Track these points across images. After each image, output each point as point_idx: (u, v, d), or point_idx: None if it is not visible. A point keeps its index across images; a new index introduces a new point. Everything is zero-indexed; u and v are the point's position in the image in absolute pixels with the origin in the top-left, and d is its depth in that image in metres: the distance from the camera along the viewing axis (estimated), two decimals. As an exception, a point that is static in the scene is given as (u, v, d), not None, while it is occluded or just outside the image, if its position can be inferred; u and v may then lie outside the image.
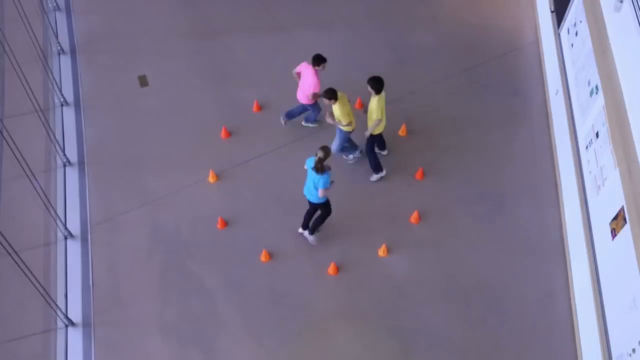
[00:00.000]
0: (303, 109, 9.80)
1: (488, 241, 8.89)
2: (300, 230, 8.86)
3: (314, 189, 8.15)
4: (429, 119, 10.20)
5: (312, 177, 8.08)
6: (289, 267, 8.63)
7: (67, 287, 8.42)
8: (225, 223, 8.99)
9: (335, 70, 10.71)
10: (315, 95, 9.33)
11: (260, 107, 10.26)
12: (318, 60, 9.11)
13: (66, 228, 8.83)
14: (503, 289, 8.46)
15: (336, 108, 8.77)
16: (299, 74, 9.42)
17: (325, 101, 8.78)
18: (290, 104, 10.01)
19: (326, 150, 7.85)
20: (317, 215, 8.66)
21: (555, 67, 9.84)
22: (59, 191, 9.32)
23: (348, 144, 9.45)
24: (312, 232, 8.72)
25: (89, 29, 11.45)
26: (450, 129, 10.10)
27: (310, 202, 8.46)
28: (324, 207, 8.53)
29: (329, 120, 9.06)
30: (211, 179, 9.43)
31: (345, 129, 9.07)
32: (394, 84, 10.56)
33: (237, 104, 10.35)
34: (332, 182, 8.16)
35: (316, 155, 7.87)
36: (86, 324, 8.14)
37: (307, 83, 9.25)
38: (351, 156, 9.61)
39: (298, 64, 10.34)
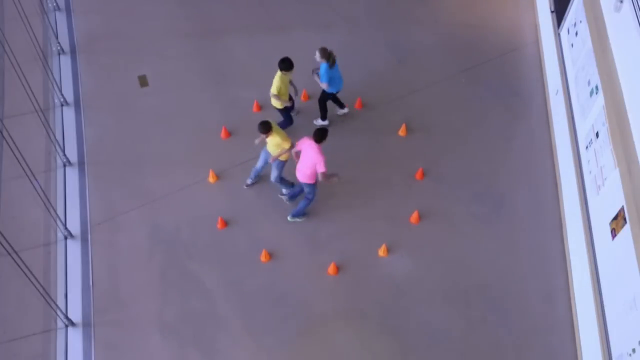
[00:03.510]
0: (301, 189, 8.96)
1: (488, 241, 8.89)
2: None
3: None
4: (429, 119, 10.20)
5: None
6: (289, 267, 8.63)
7: (67, 287, 8.42)
8: (225, 223, 8.99)
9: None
10: (324, 176, 8.28)
11: (260, 107, 10.26)
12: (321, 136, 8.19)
13: (66, 228, 8.83)
14: (503, 289, 8.46)
15: (275, 137, 8.35)
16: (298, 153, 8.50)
17: (262, 136, 8.41)
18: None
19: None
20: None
21: (555, 67, 9.84)
22: (59, 191, 9.32)
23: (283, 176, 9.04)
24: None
25: (89, 29, 11.45)
26: (450, 129, 10.10)
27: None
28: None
29: (272, 160, 8.62)
30: (211, 179, 9.43)
31: (284, 157, 8.64)
32: (394, 84, 10.58)
33: (237, 104, 10.35)
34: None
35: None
36: (86, 324, 8.14)
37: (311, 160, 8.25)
38: (285, 192, 9.17)
39: (298, 64, 10.31)
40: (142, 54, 11.04)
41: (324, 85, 9.32)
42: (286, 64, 8.97)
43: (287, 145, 8.41)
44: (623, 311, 6.55)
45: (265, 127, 8.27)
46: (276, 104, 9.32)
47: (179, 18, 11.62)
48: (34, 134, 9.50)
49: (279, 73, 9.04)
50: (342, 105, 10.03)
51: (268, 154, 8.77)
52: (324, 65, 9.16)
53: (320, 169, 8.13)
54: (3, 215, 8.82)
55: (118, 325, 8.14)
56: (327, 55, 9.12)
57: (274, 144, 8.46)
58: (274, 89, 9.10)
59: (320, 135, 8.13)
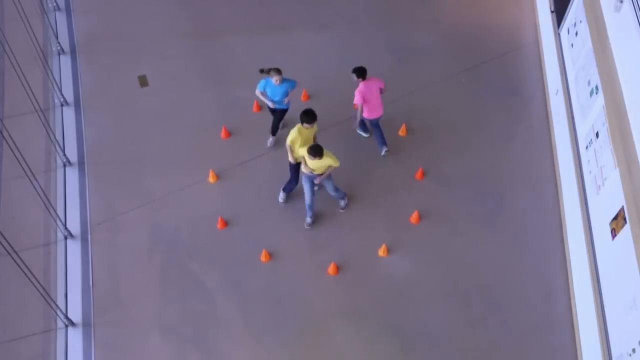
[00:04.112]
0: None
1: (488, 241, 8.89)
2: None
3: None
4: (429, 119, 10.20)
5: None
6: (289, 267, 8.63)
7: (67, 287, 8.42)
8: (225, 223, 8.99)
9: (335, 70, 10.73)
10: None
11: (260, 107, 10.26)
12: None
13: (66, 228, 8.83)
14: (503, 289, 8.46)
15: (326, 159, 8.14)
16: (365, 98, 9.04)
17: (309, 158, 8.07)
18: (290, 103, 10.00)
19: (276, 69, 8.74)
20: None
21: (555, 67, 9.84)
22: (59, 191, 9.32)
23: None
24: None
25: (89, 29, 11.46)
26: (450, 129, 10.10)
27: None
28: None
29: (305, 169, 8.35)
30: (211, 179, 9.43)
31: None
32: (394, 84, 10.56)
33: (237, 104, 10.35)
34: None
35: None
36: (86, 324, 8.14)
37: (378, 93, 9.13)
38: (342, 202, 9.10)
39: (297, 64, 10.36)
40: (142, 54, 11.04)
41: (285, 101, 9.09)
42: (309, 117, 8.21)
43: (337, 165, 8.27)
44: (623, 311, 6.55)
45: (318, 152, 7.96)
46: (289, 157, 8.60)
47: (179, 18, 11.62)
48: (34, 134, 9.49)
49: (298, 125, 8.36)
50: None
51: (310, 179, 8.51)
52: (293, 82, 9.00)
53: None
54: (3, 215, 8.82)
55: (118, 325, 8.14)
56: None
57: (324, 165, 8.23)
58: (289, 140, 8.42)
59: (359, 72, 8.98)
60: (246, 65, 10.90)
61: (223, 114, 10.20)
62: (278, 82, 8.80)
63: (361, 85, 9.02)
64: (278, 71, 8.77)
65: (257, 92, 9.09)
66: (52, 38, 11.02)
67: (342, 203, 9.08)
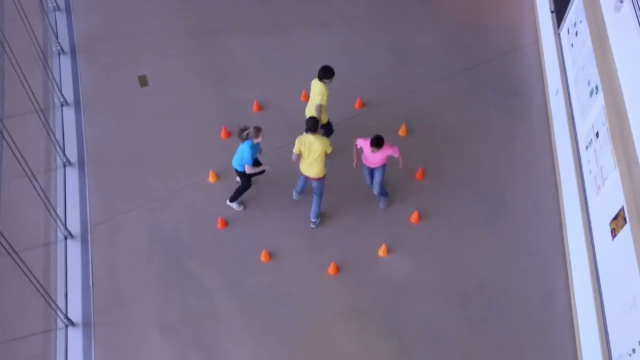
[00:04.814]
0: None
1: (488, 241, 8.90)
2: (227, 202, 9.11)
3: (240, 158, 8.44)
4: (429, 119, 10.20)
5: (241, 147, 8.37)
6: (289, 267, 8.63)
7: (67, 287, 8.42)
8: (225, 223, 8.99)
9: (335, 70, 10.72)
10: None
11: (260, 107, 10.26)
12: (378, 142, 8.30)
13: (66, 228, 8.83)
14: (503, 289, 8.47)
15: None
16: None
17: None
18: (290, 103, 10.02)
19: (256, 128, 8.13)
20: (238, 186, 8.93)
21: (555, 67, 9.84)
22: (59, 191, 9.32)
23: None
24: (232, 201, 9.07)
25: (89, 29, 11.46)
26: (450, 129, 10.10)
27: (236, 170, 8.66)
28: (244, 179, 8.74)
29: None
30: (211, 179, 9.44)
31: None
32: (394, 84, 10.58)
33: (237, 104, 10.36)
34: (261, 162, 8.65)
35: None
36: (86, 324, 8.14)
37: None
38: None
39: (298, 63, 10.33)
40: (142, 54, 11.05)
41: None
42: (327, 72, 8.60)
43: (329, 150, 8.25)
44: (623, 311, 6.55)
45: (315, 124, 8.02)
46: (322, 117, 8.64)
47: (178, 18, 11.62)
48: (34, 134, 9.50)
49: (320, 83, 8.63)
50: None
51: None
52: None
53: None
54: (3, 215, 8.82)
55: (118, 325, 8.14)
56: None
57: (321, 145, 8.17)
58: (323, 99, 8.61)
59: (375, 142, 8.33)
60: (246, 65, 10.92)
61: (223, 114, 10.20)
62: (263, 137, 8.22)
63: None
64: (260, 128, 8.16)
65: (251, 168, 8.32)
66: (52, 38, 11.02)
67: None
